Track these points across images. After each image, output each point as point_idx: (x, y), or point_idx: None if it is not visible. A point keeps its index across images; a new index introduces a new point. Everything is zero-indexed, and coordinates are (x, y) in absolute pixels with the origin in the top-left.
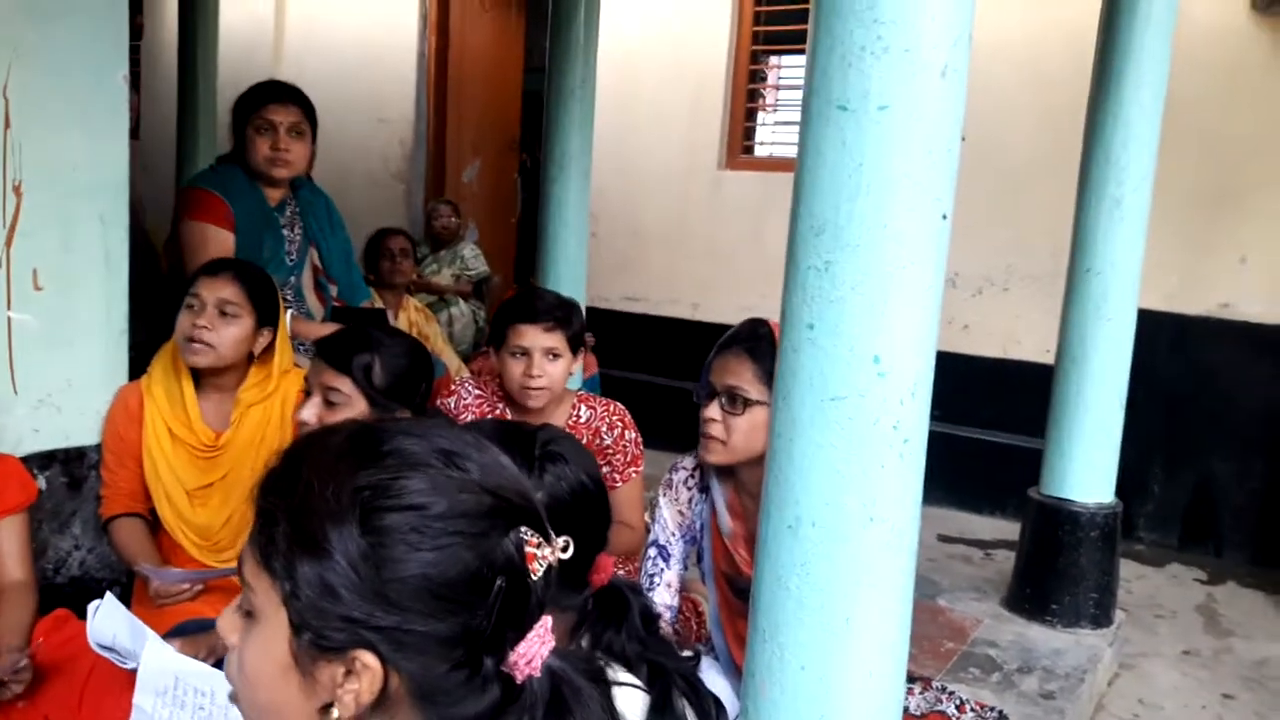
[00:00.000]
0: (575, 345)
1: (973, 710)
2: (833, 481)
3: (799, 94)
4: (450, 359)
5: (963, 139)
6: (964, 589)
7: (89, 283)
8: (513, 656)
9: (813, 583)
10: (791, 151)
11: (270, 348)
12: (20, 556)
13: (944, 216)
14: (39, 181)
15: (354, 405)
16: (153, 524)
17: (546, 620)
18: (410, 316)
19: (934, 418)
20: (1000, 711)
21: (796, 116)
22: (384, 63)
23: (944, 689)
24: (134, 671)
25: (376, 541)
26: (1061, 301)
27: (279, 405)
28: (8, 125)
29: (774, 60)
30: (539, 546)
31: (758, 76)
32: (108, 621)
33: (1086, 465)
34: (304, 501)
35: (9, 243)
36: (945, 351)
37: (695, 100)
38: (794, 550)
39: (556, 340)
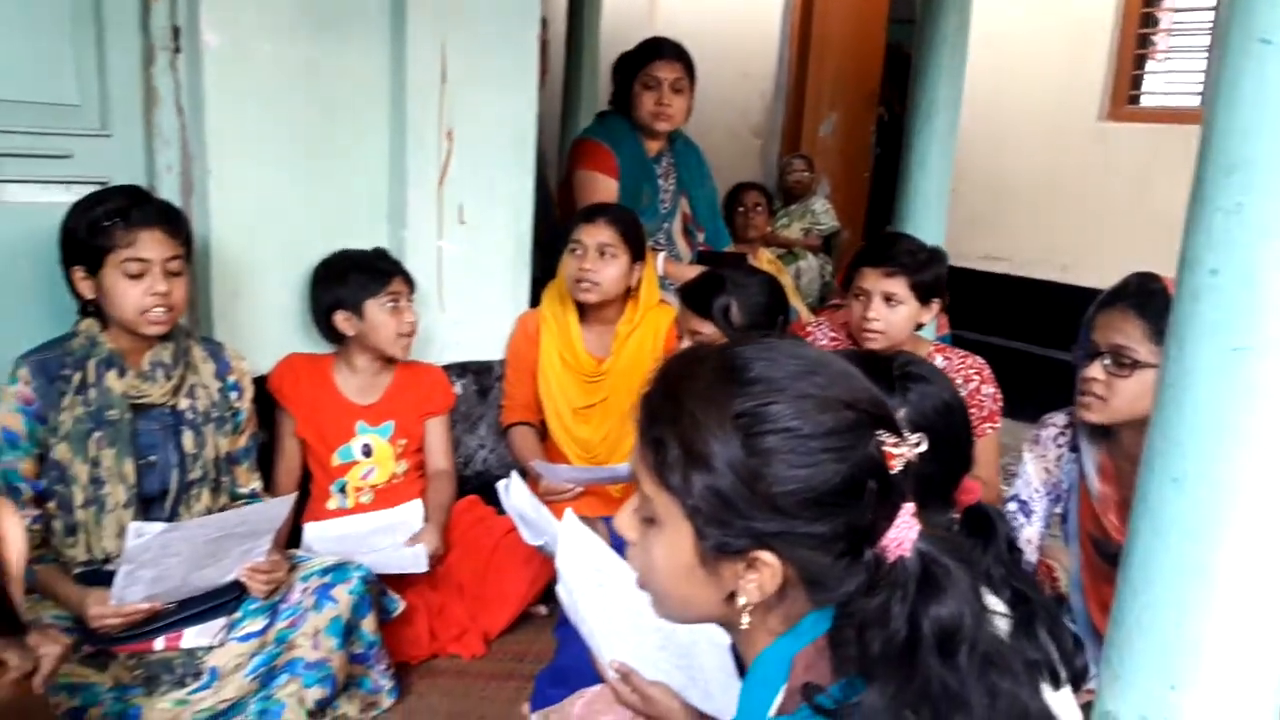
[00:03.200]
0: (924, 294)
1: None
2: (1228, 437)
3: (1195, 40)
4: (801, 310)
5: None
6: None
7: (501, 220)
8: (884, 541)
9: (1194, 541)
10: (1187, 102)
11: (641, 283)
12: (444, 450)
13: None
14: (466, 130)
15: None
16: (541, 433)
17: (910, 507)
18: (762, 269)
19: None
20: None
21: (1191, 65)
22: (750, 16)
23: None
24: (532, 545)
25: (759, 461)
26: None
27: (651, 335)
28: (444, 80)
29: (1168, 3)
30: (896, 446)
31: (1150, 21)
32: (517, 498)
33: None
34: (690, 429)
35: (441, 182)
36: None
37: (1075, 46)
38: (1177, 505)
39: (896, 286)
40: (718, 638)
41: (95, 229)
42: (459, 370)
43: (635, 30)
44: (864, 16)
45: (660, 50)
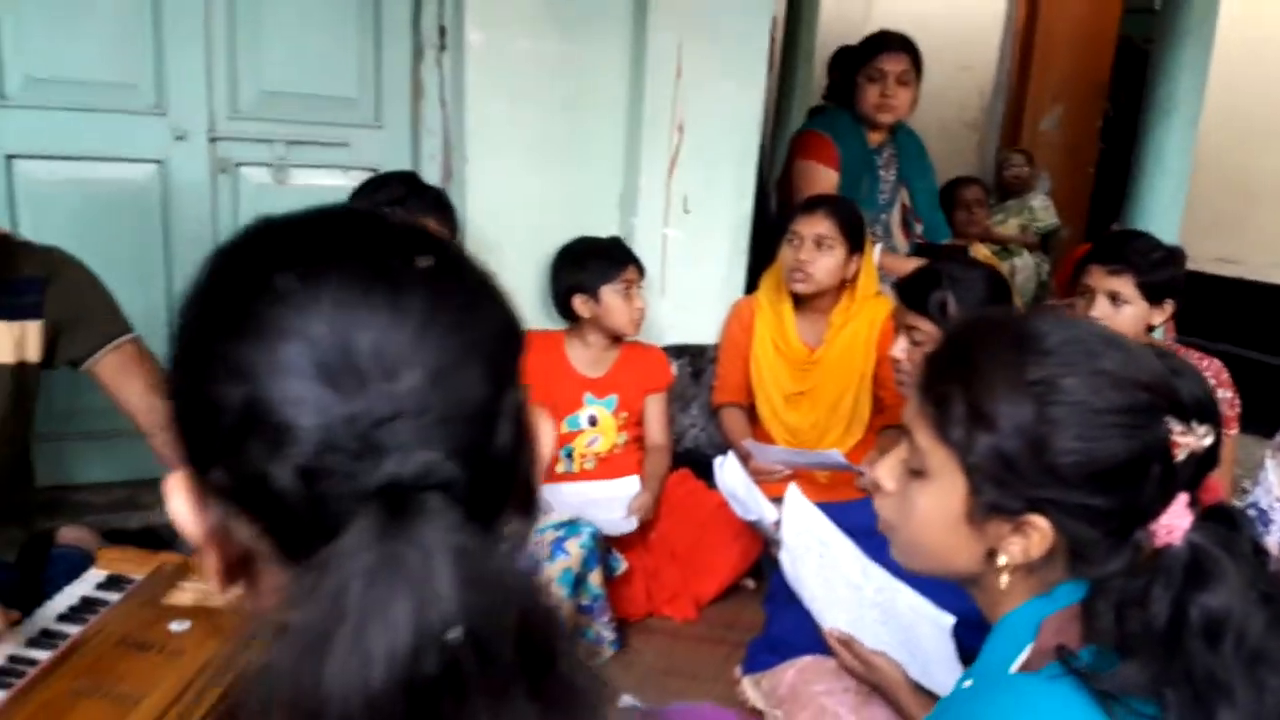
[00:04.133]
0: (1154, 294)
1: None
2: None
3: None
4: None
5: None
6: None
7: (723, 210)
8: (1154, 526)
9: None
10: None
11: (858, 274)
12: (661, 425)
13: None
14: (696, 123)
15: (934, 341)
16: (750, 415)
17: (1185, 497)
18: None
19: None
20: None
21: None
22: (971, 9)
23: None
24: (744, 520)
25: (1048, 429)
26: None
27: (865, 327)
28: (679, 76)
29: None
30: (1183, 435)
31: None
32: (730, 475)
33: None
34: (980, 388)
35: (670, 173)
36: None
37: None
38: None
39: (1122, 285)
40: (940, 619)
41: None
42: (676, 352)
43: (852, 24)
44: (1096, 7)
45: (887, 43)
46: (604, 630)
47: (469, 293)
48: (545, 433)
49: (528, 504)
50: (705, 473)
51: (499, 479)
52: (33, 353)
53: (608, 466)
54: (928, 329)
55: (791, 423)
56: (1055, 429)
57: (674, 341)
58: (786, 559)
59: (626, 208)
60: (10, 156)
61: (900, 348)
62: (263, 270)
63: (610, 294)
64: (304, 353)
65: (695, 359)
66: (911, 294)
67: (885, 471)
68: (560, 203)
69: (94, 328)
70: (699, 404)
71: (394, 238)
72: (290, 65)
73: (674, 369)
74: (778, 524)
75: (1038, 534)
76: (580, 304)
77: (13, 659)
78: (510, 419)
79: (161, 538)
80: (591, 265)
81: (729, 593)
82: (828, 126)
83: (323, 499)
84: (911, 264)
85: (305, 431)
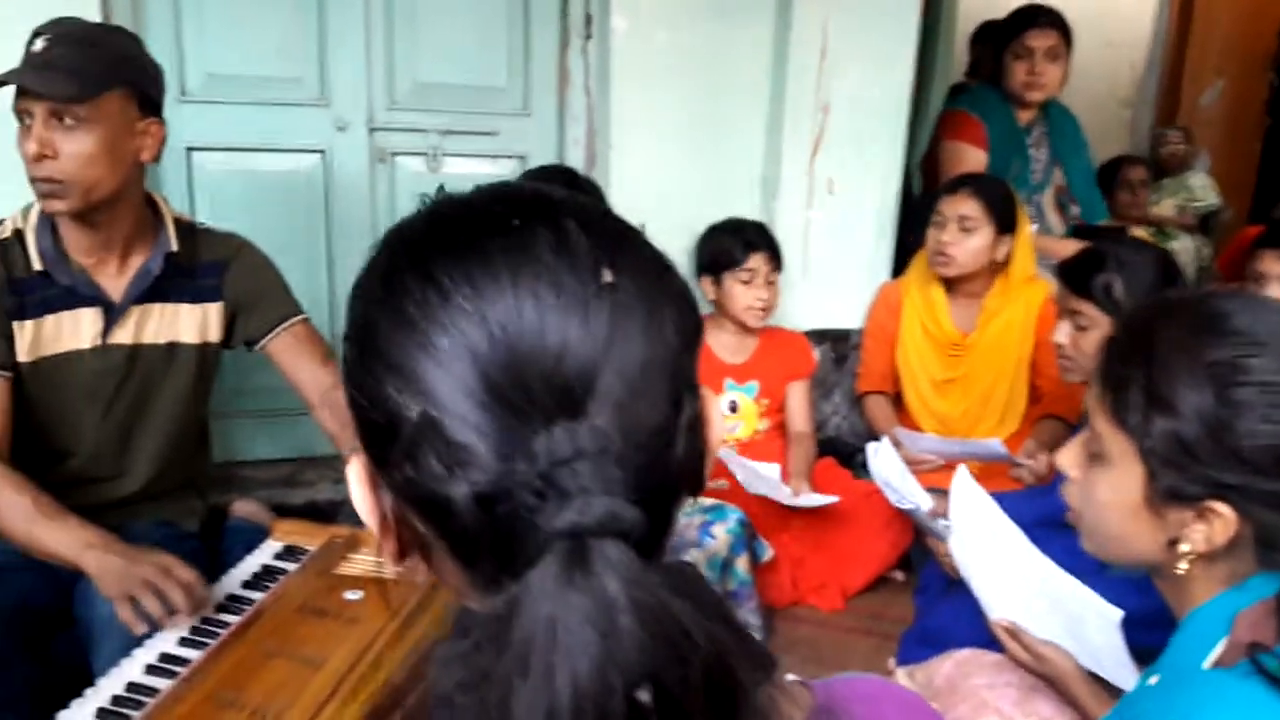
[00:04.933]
0: None
1: None
2: None
3: None
4: None
5: None
6: None
7: (867, 191)
8: None
9: None
10: None
11: (1011, 256)
12: (804, 413)
13: None
14: (841, 104)
15: (1100, 326)
16: (896, 404)
17: None
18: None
19: None
20: None
21: None
22: None
23: None
24: (899, 509)
25: (1230, 412)
26: None
27: (1021, 311)
28: (824, 57)
29: None
30: None
31: None
32: (884, 463)
33: None
34: (1157, 372)
35: (814, 155)
36: None
37: None
38: None
39: None
40: (1109, 612)
41: None
42: (818, 337)
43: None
44: None
45: (1035, 18)
46: (750, 616)
47: (652, 299)
48: (715, 418)
49: (695, 491)
50: (848, 462)
51: (673, 495)
52: (214, 333)
53: (748, 453)
54: (1093, 314)
55: (941, 411)
56: (1239, 412)
57: (816, 326)
58: (956, 545)
59: (769, 190)
60: (190, 149)
61: (1063, 333)
62: (434, 271)
63: (730, 280)
64: (482, 378)
65: (838, 344)
66: (1075, 277)
67: (1069, 458)
68: (702, 186)
69: (269, 309)
70: (842, 391)
71: (578, 238)
72: (443, 57)
73: (817, 355)
74: (934, 513)
75: (1220, 521)
76: (707, 286)
77: (205, 621)
78: (686, 431)
79: (325, 513)
80: (718, 250)
81: (877, 584)
82: (975, 105)
83: (499, 528)
84: (1069, 246)
85: (483, 459)
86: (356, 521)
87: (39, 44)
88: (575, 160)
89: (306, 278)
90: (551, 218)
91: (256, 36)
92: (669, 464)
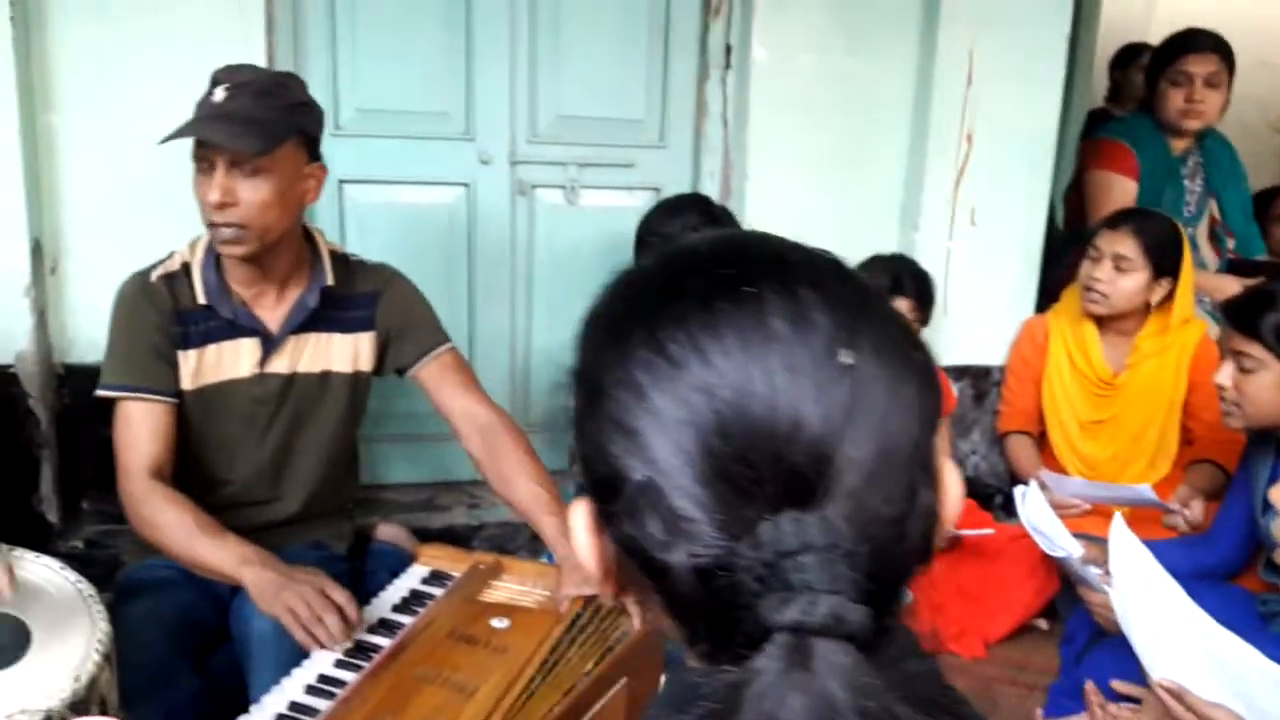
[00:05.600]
0: None
1: None
2: None
3: None
4: None
5: None
6: None
7: (1012, 222)
8: None
9: None
10: None
11: (1171, 297)
12: (943, 451)
13: None
14: (986, 132)
15: (1268, 369)
16: (1040, 444)
17: None
18: None
19: None
20: None
21: None
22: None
23: None
24: (1050, 556)
25: None
26: None
27: (1175, 354)
28: (970, 84)
29: None
30: None
31: None
32: (1033, 508)
33: None
34: None
35: (957, 184)
36: None
37: None
38: None
39: None
40: (1274, 673)
41: (670, 241)
42: (957, 373)
43: (1134, 20)
44: None
45: (1193, 43)
46: None
47: (892, 379)
48: (952, 489)
49: (925, 566)
50: (987, 504)
51: (901, 582)
52: (366, 362)
53: None
54: (1261, 355)
55: (1088, 453)
56: None
57: (956, 362)
58: (1116, 598)
59: (908, 221)
60: (342, 181)
61: (1226, 375)
62: (662, 337)
63: None
64: (707, 453)
65: (978, 381)
66: (1243, 317)
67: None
68: (839, 217)
69: (419, 338)
70: (981, 430)
71: (816, 312)
72: (583, 90)
73: (955, 391)
74: (1085, 560)
75: None
76: None
77: (359, 644)
78: (923, 515)
79: (462, 537)
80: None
81: (1020, 632)
82: (1126, 134)
83: (717, 602)
84: (1228, 283)
85: (705, 533)
86: (494, 546)
87: (220, 93)
88: (710, 191)
89: (448, 307)
90: (787, 284)
91: (406, 72)
92: (899, 555)
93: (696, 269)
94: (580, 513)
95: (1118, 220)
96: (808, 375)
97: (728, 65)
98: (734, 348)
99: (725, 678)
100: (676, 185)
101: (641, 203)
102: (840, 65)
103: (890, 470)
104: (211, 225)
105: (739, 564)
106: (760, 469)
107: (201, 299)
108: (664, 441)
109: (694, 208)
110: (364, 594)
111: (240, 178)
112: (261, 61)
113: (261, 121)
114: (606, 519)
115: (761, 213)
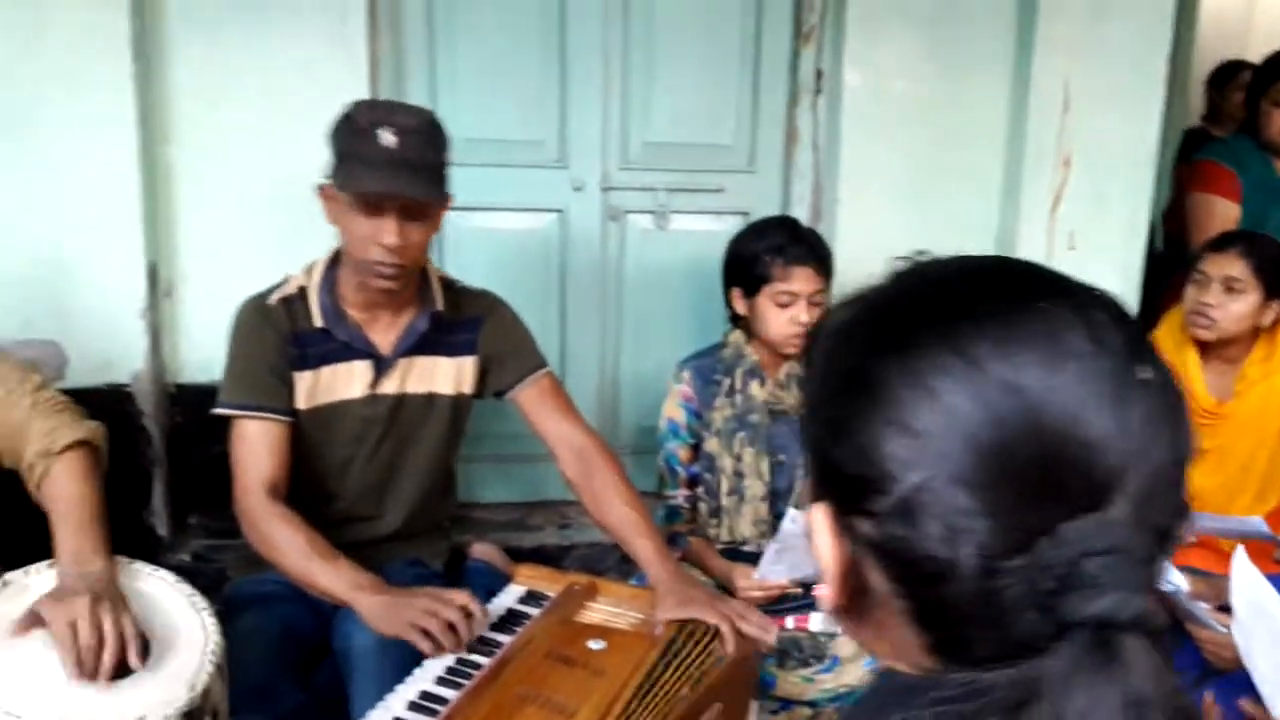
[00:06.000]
0: None
1: None
2: None
3: None
4: None
5: None
6: None
7: (1111, 246)
8: None
9: None
10: None
11: (1279, 321)
12: None
13: None
14: (1084, 155)
15: None
16: None
17: None
18: None
19: None
20: None
21: None
22: None
23: None
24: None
25: None
26: None
27: None
28: (1066, 109)
29: None
30: None
31: None
32: None
33: None
34: None
35: (1054, 209)
36: None
37: None
38: None
39: None
40: None
41: (757, 261)
42: None
43: (1231, 38)
44: None
45: None
46: None
47: (1176, 398)
48: None
49: None
50: None
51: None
52: (468, 385)
53: None
54: None
55: (1193, 484)
56: None
57: None
58: (1239, 634)
59: (1004, 246)
60: None
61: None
62: (961, 339)
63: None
64: (1003, 453)
65: None
66: None
67: None
68: (932, 242)
69: (519, 362)
70: None
71: (1110, 330)
72: (674, 117)
73: None
74: (1193, 595)
75: None
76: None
77: (460, 661)
78: (1180, 525)
79: (553, 557)
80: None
81: None
82: (1228, 155)
83: (1000, 603)
84: None
85: (990, 531)
86: (584, 567)
87: (388, 138)
88: (800, 216)
89: (540, 330)
90: (1081, 306)
91: (503, 103)
92: (1160, 565)
93: (984, 281)
94: (820, 515)
95: (1223, 243)
96: (1108, 388)
97: (818, 90)
98: (1034, 358)
99: (1010, 674)
100: (765, 209)
101: (730, 227)
102: (932, 91)
103: (1173, 484)
104: (373, 263)
105: (1038, 563)
106: (1059, 472)
107: (318, 322)
108: (955, 441)
109: (780, 229)
110: None
111: (408, 221)
112: (365, 93)
113: (433, 167)
114: (850, 517)
115: (852, 237)
